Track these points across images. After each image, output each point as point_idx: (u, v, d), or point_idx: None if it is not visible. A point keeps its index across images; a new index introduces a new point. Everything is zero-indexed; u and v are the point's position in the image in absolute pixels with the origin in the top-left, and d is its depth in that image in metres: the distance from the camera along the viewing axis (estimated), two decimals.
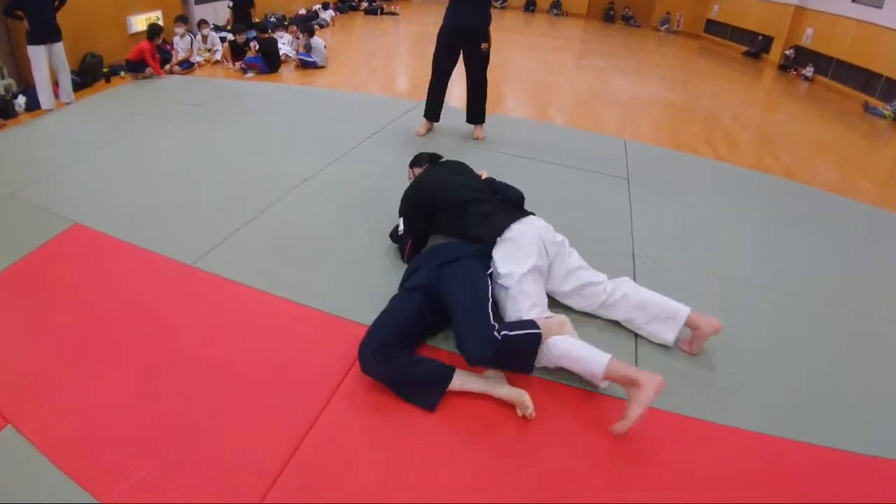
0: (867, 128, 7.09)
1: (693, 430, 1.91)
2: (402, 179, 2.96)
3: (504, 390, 1.91)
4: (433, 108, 4.34)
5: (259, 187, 3.31)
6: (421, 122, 4.41)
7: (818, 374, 2.22)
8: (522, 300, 2.08)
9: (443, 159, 2.83)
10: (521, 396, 1.87)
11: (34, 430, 1.74)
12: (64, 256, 2.66)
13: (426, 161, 2.81)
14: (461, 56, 4.10)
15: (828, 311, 2.63)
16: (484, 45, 3.99)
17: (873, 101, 8.03)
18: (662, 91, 7.33)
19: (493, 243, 2.25)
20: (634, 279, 2.63)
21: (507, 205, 2.46)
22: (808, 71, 9.51)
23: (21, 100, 4.77)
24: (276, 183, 3.36)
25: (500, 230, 2.25)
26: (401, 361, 1.90)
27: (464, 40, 4.01)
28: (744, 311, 2.53)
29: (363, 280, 2.51)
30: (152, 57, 5.69)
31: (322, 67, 6.69)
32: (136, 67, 5.69)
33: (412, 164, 2.86)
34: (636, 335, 2.29)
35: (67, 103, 4.90)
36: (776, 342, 2.38)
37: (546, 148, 4.27)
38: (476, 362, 1.87)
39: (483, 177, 2.73)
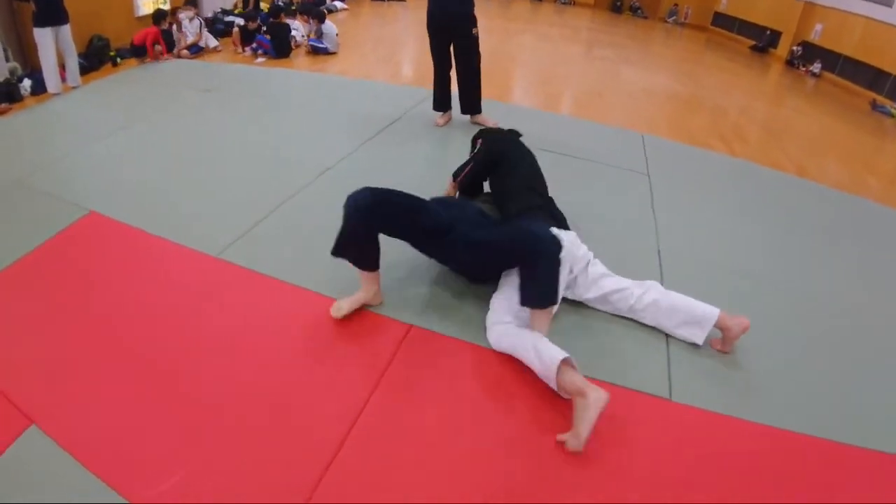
0: (874, 125, 7.09)
1: (723, 426, 1.89)
2: (425, 170, 2.91)
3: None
4: (440, 99, 4.26)
5: (278, 177, 3.25)
6: (437, 114, 4.35)
7: (847, 374, 2.22)
8: None
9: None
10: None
11: (59, 430, 1.70)
12: (82, 246, 2.60)
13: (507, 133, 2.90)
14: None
15: (846, 312, 2.63)
16: (474, 31, 3.88)
17: (881, 100, 8.02)
18: (672, 84, 7.28)
19: None
20: (661, 278, 2.62)
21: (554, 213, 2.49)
22: (816, 67, 9.47)
23: (27, 83, 4.69)
24: (296, 172, 3.29)
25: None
26: None
27: (450, 27, 3.90)
28: (770, 309, 2.52)
29: (394, 273, 2.46)
30: (153, 42, 5.59)
31: (333, 54, 6.60)
32: (140, 52, 5.61)
33: (483, 134, 2.90)
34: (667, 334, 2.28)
35: (74, 87, 4.82)
36: (801, 339, 2.38)
37: (562, 140, 4.23)
38: (552, 247, 1.97)
39: None
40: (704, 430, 1.88)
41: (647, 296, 2.25)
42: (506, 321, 2.06)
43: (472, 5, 3.88)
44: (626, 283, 2.31)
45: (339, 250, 2.12)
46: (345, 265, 2.16)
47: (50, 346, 2.01)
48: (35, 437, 1.68)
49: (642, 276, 2.58)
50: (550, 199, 2.55)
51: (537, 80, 6.60)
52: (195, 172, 3.32)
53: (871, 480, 1.78)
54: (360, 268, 2.16)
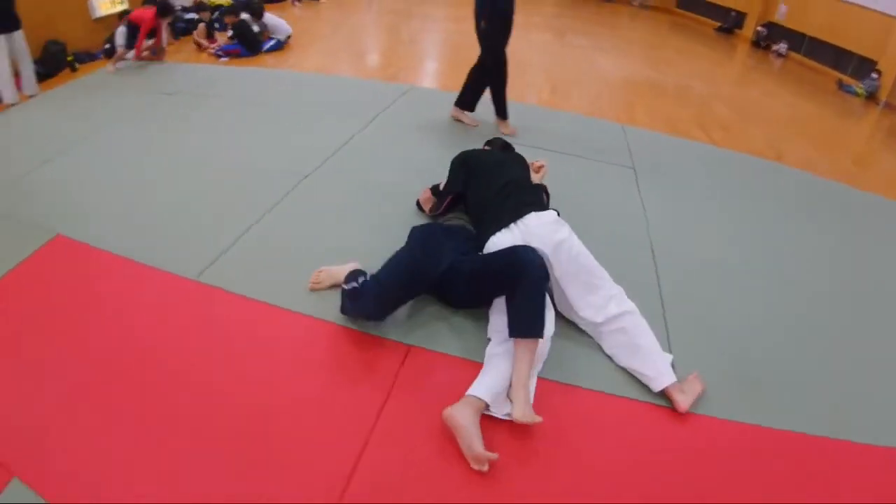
0: (842, 105, 7.22)
1: (726, 432, 1.89)
2: (410, 173, 2.83)
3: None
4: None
5: (255, 187, 3.12)
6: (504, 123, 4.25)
7: (847, 370, 2.25)
8: None
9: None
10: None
11: (43, 483, 1.57)
12: (50, 274, 2.42)
13: (498, 146, 2.92)
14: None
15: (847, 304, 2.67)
16: (482, 23, 3.78)
17: (847, 79, 8.16)
18: (646, 70, 7.28)
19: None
20: (657, 277, 2.60)
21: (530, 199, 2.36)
22: (782, 47, 9.60)
23: None
24: (272, 182, 3.17)
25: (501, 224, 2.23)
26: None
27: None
28: (769, 304, 2.56)
29: None
30: (147, 33, 5.32)
31: (285, 44, 6.45)
32: (110, 53, 5.37)
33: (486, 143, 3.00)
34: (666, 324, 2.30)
35: (32, 96, 4.56)
36: (796, 334, 2.41)
37: (546, 134, 4.19)
38: (535, 264, 1.93)
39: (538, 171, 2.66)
40: (708, 435, 1.88)
41: (618, 321, 2.13)
42: (496, 352, 1.97)
43: None
44: (600, 298, 2.18)
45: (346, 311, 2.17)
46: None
47: (24, 391, 1.86)
48: (18, 492, 1.55)
49: (636, 275, 2.58)
50: (523, 188, 2.41)
51: (518, 70, 6.49)
52: (166, 186, 3.15)
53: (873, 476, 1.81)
54: None
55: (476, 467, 1.65)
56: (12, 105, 4.36)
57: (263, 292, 2.30)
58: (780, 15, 9.89)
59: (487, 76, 4.02)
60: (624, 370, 2.07)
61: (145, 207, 2.93)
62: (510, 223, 2.20)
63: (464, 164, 2.61)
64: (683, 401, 1.92)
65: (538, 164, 2.71)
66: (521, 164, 2.67)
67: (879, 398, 2.12)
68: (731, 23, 11.21)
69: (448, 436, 1.74)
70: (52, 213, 2.83)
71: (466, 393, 1.78)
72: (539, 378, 1.98)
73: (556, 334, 2.07)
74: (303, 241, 2.67)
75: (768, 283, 2.72)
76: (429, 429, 1.78)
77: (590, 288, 2.16)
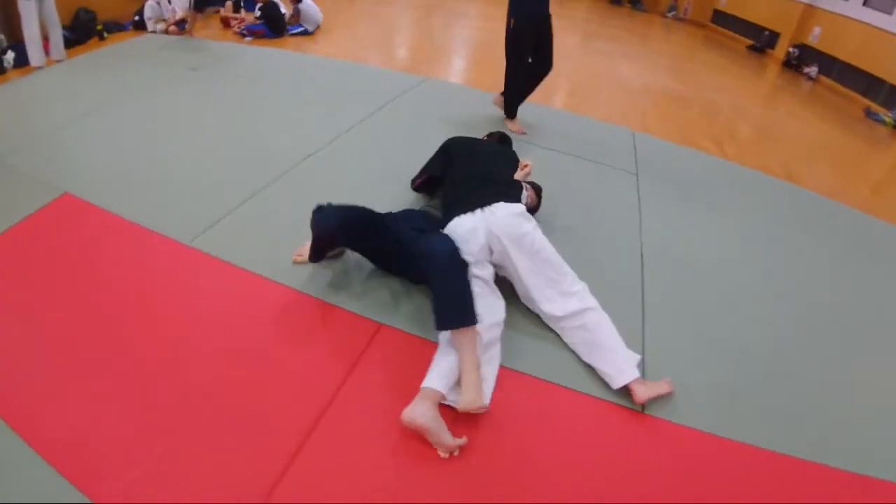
0: (867, 133, 7.09)
1: (695, 441, 1.89)
2: (411, 159, 2.88)
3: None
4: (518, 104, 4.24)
5: (258, 163, 3.20)
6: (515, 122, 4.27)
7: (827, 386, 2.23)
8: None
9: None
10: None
11: (23, 424, 1.66)
12: (53, 229, 2.54)
13: (496, 139, 3.09)
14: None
15: (826, 319, 2.65)
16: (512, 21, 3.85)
17: (875, 107, 8.01)
18: (668, 81, 7.23)
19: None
20: (641, 277, 2.61)
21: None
22: (812, 70, 9.45)
23: (10, 55, 4.56)
24: (276, 159, 3.25)
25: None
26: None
27: (539, 28, 4.03)
28: (750, 315, 2.55)
29: (366, 273, 2.44)
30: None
31: (313, 34, 6.51)
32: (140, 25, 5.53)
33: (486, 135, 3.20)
34: (643, 328, 2.31)
35: (58, 60, 4.69)
36: (784, 347, 2.40)
37: (552, 134, 4.20)
38: (440, 254, 1.92)
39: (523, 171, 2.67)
40: (674, 443, 1.88)
41: (580, 317, 2.14)
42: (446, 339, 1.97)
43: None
44: (560, 292, 2.19)
45: (316, 258, 2.31)
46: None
47: (14, 336, 1.97)
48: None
49: (622, 275, 2.60)
50: (498, 181, 2.44)
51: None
52: (174, 155, 3.25)
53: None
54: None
55: (446, 455, 1.68)
56: (39, 68, 4.51)
57: (249, 261, 2.39)
58: (814, 37, 9.74)
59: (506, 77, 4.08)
60: (590, 371, 2.08)
61: (151, 174, 3.03)
62: (476, 208, 2.23)
63: (445, 151, 2.67)
64: (643, 392, 1.92)
65: (523, 163, 2.73)
66: (507, 160, 2.70)
67: (858, 424, 2.09)
68: (763, 42, 11.05)
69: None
70: (63, 173, 2.95)
71: (422, 385, 1.78)
72: (505, 368, 2.02)
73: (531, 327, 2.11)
74: (296, 216, 2.72)
75: (757, 297, 2.70)
76: (385, 406, 1.82)
77: (550, 282, 2.19)
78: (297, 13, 6.54)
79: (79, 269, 2.32)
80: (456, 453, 1.69)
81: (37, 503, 1.47)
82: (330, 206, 2.10)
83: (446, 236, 2.05)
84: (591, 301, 2.18)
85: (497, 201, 2.25)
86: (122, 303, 2.14)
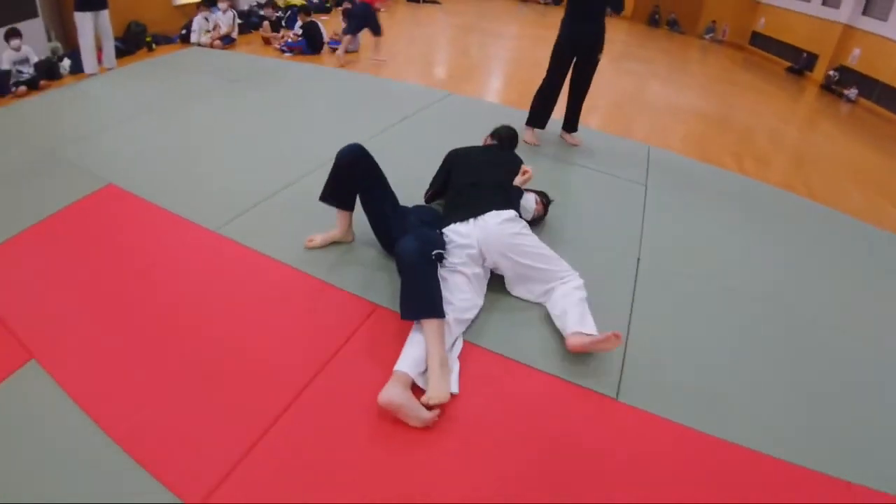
0: None
1: (665, 430, 1.93)
2: (426, 166, 3.02)
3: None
4: (544, 116, 4.33)
5: (285, 163, 3.41)
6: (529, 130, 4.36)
7: (822, 397, 2.23)
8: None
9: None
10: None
11: (55, 365, 1.89)
12: (96, 213, 2.80)
13: (496, 137, 3.12)
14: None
15: (828, 333, 2.63)
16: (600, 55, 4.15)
17: None
18: (698, 101, 7.25)
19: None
20: (635, 284, 2.67)
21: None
22: (852, 93, 9.30)
23: (66, 63, 4.96)
24: (302, 160, 3.44)
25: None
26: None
27: (585, 49, 4.17)
28: (743, 328, 2.54)
29: (365, 254, 2.60)
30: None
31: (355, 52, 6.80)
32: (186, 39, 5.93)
33: (491, 133, 3.19)
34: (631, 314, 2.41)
35: (110, 69, 5.08)
36: (776, 362, 2.38)
37: (564, 148, 4.29)
38: (407, 253, 2.03)
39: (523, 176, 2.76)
40: (644, 431, 1.92)
41: (559, 289, 2.31)
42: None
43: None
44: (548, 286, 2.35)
45: (326, 196, 2.51)
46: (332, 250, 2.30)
47: (55, 294, 2.23)
48: (33, 372, 1.87)
49: (617, 283, 2.66)
50: (494, 189, 2.56)
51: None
52: (210, 154, 3.50)
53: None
54: (340, 207, 2.54)
55: (422, 425, 1.79)
56: (92, 75, 4.88)
57: (267, 246, 2.58)
58: (853, 59, 9.59)
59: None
60: (573, 358, 2.14)
61: (188, 169, 3.28)
62: (469, 218, 2.39)
63: (444, 165, 2.88)
64: (577, 340, 2.07)
65: (524, 168, 2.79)
66: (505, 167, 2.77)
67: (840, 429, 2.08)
68: (802, 64, 10.93)
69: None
70: (108, 167, 3.21)
71: (394, 369, 1.88)
72: (482, 349, 2.14)
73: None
74: (316, 211, 2.91)
75: (756, 311, 2.68)
76: (369, 377, 1.93)
77: (541, 282, 2.36)
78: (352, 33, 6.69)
79: (117, 244, 2.58)
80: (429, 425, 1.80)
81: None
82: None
83: (423, 234, 2.14)
84: (578, 282, 2.33)
85: (489, 210, 2.41)
86: (149, 274, 2.39)
